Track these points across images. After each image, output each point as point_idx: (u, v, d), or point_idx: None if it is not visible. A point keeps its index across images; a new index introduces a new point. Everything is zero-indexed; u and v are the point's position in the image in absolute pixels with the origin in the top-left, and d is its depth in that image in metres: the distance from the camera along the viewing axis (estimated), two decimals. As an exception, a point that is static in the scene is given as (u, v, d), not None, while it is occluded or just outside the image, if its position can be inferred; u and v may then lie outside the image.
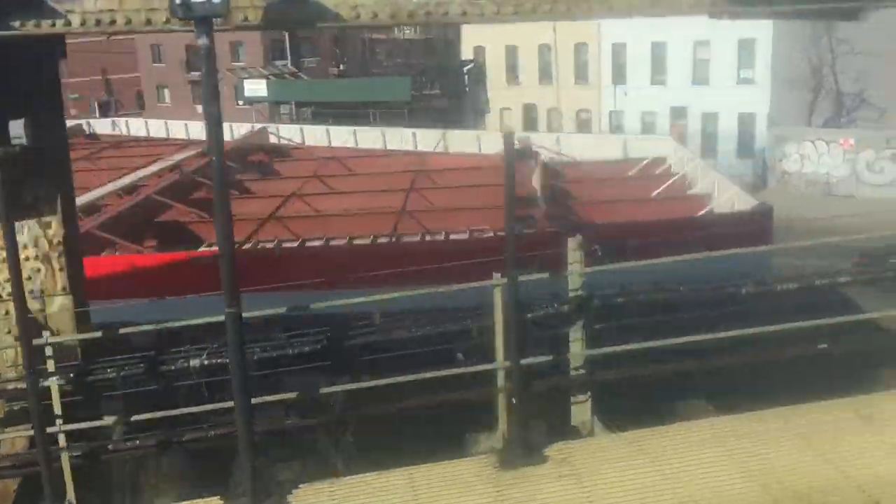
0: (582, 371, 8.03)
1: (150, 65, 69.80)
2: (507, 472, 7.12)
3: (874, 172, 45.00)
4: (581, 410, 8.18)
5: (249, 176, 25.71)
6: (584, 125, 53.23)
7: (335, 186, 23.76)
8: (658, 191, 20.97)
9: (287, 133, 31.21)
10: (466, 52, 56.87)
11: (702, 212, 18.22)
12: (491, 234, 17.40)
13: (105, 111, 77.91)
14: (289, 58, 63.36)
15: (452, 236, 18.14)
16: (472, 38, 55.35)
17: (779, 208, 42.09)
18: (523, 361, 7.45)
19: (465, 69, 56.35)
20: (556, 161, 25.01)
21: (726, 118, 49.13)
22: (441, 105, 57.23)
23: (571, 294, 7.87)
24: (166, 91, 69.76)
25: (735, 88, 48.26)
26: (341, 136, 29.83)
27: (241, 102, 62.75)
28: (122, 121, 36.81)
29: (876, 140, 45.09)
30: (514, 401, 7.24)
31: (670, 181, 21.27)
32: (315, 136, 30.43)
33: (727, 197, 18.21)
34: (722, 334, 7.66)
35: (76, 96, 71.09)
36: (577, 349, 8.02)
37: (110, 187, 23.44)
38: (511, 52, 54.52)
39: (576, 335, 7.98)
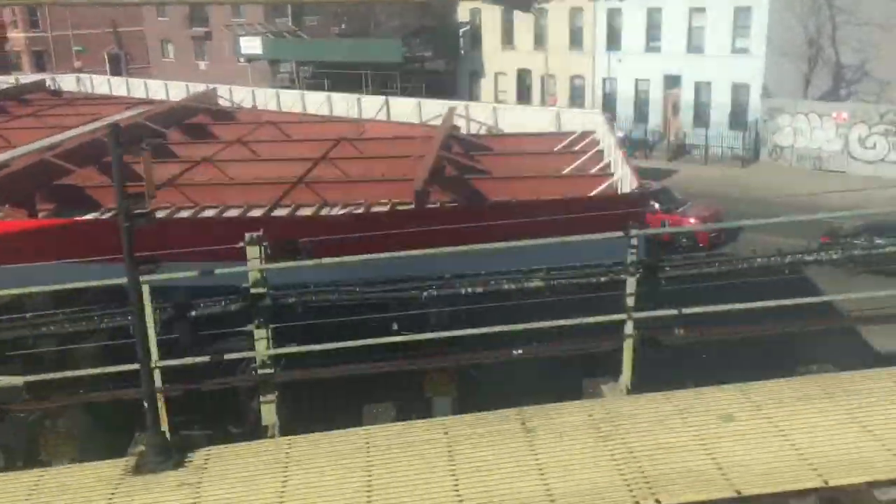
0: (268, 370, 7.79)
1: (154, 19, 69.64)
2: (135, 477, 6.90)
3: (866, 148, 43.91)
4: (269, 411, 7.94)
5: (183, 139, 25.51)
6: (577, 92, 52.41)
7: (259, 152, 23.51)
8: (571, 167, 20.47)
9: (239, 95, 30.89)
10: (463, 14, 55.94)
11: (593, 192, 17.72)
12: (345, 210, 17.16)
13: (115, 64, 78.30)
14: (289, 15, 62.84)
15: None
16: (468, -2, 54.52)
17: (766, 183, 41.45)
18: (176, 361, 7.23)
19: (462, 31, 55.47)
20: (485, 133, 24.61)
21: (720, 88, 48.06)
22: (436, 67, 56.52)
23: (252, 291, 7.60)
24: (170, 46, 69.67)
25: (729, 58, 47.10)
26: (291, 101, 29.48)
27: (241, 60, 62.62)
28: (86, 77, 36.57)
29: (869, 114, 43.90)
30: (145, 403, 7.00)
31: (584, 158, 20.73)
32: (265, 99, 30.14)
33: (621, 178, 17.69)
34: (383, 339, 7.35)
35: (80, 48, 71.28)
36: (262, 348, 7.76)
37: (36, 146, 23.45)
38: (507, 13, 53.53)
39: (260, 334, 7.73)
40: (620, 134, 49.60)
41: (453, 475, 6.60)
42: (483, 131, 25.28)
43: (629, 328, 7.76)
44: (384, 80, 54.48)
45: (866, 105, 44.89)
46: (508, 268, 9.20)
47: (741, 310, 8.23)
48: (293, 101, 29.56)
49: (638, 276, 7.60)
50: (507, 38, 54.01)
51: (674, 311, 7.79)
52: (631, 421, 7.22)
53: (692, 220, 34.05)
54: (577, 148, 21.98)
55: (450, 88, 55.76)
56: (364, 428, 7.43)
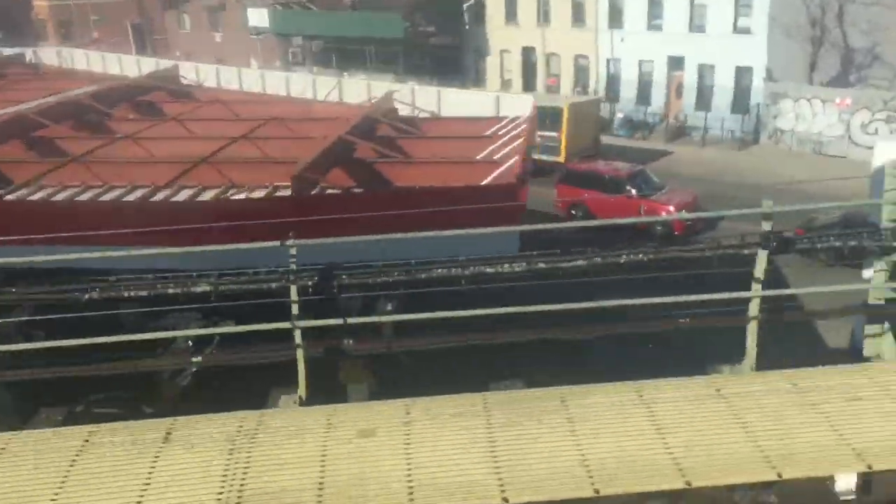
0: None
1: (172, -10, 70.10)
2: None
3: (868, 134, 42.61)
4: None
5: (127, 117, 25.58)
6: (582, 72, 51.55)
7: (194, 130, 23.50)
8: (484, 153, 20.13)
9: (203, 74, 30.84)
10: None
11: (483, 181, 17.36)
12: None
13: (138, 34, 78.89)
14: (304, -14, 62.47)
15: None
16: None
17: (761, 167, 40.53)
18: None
19: (466, 6, 54.74)
20: (424, 117, 24.37)
21: (723, 71, 46.94)
22: (441, 43, 55.86)
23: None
24: (186, 17, 70.01)
25: (732, 39, 45.92)
26: (252, 80, 29.41)
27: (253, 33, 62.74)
28: (67, 51, 36.85)
29: (872, 100, 42.62)
30: None
31: (497, 143, 20.37)
32: (228, 77, 30.09)
33: (508, 166, 17.37)
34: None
35: (98, 18, 71.72)
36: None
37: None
38: (510, -14, 52.68)
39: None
40: (621, 115, 49.12)
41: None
42: (427, 114, 25.05)
43: (298, 338, 7.51)
44: (388, 57, 54.13)
45: (870, 91, 43.59)
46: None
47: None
48: (254, 80, 29.47)
49: (307, 284, 7.34)
50: (511, 14, 53.03)
51: (340, 321, 7.53)
52: (252, 437, 7.02)
53: (671, 208, 33.32)
54: (501, 133, 21.63)
55: (454, 66, 55.22)
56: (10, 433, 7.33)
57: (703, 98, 47.82)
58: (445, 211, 13.28)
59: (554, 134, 40.23)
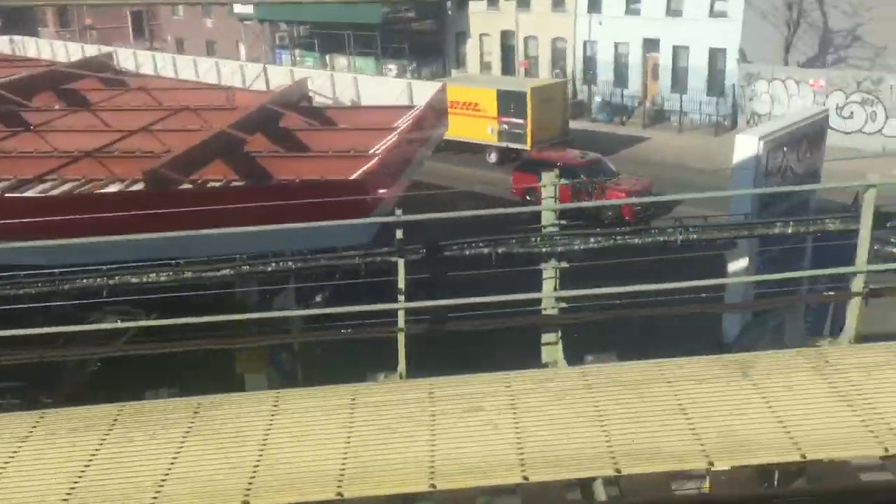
0: None
1: (163, -23, 70.02)
2: None
3: (844, 117, 41.56)
4: None
5: (44, 106, 25.49)
6: (559, 55, 51.00)
7: (105, 120, 23.41)
8: (378, 144, 19.86)
9: (141, 59, 30.76)
10: (450, -28, 54.67)
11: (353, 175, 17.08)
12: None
13: (137, 20, 79.26)
14: (290, -28, 62.31)
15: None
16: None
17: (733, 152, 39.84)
18: None
19: (449, -9, 54.31)
20: (336, 106, 24.11)
21: (697, 53, 46.18)
22: (422, 28, 55.53)
23: None
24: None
25: (707, 21, 45.17)
26: (184, 66, 29.29)
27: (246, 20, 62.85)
28: (19, 39, 36.91)
29: (846, 80, 41.61)
30: None
31: (394, 133, 20.09)
32: (163, 64, 29.99)
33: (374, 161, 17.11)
34: None
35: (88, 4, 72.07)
36: None
37: None
38: (491, -29, 52.16)
39: None
40: (598, 99, 48.48)
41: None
42: (349, 102, 24.81)
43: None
44: (367, 41, 53.91)
45: (843, 72, 42.55)
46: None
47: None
48: (186, 66, 29.34)
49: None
50: (493, -1, 52.59)
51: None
52: None
53: (623, 195, 32.89)
54: (401, 123, 21.34)
55: (435, 50, 54.92)
56: None
57: (679, 80, 47.10)
58: (284, 206, 13.06)
59: (519, 121, 39.73)
